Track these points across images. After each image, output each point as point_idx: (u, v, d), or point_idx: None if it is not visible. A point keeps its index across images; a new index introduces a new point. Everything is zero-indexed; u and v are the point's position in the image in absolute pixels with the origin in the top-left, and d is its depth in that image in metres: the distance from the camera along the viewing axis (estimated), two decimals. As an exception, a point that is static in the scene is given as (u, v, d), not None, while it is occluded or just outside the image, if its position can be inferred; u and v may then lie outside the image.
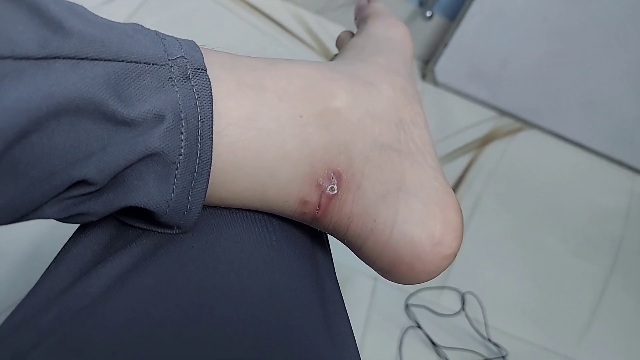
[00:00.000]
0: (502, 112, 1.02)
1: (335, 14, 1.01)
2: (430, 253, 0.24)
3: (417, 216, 0.24)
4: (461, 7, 0.93)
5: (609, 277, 0.87)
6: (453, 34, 0.93)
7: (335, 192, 0.23)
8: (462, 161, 0.93)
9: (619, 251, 0.91)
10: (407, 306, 0.75)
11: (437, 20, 0.97)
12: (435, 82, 1.01)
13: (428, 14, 0.92)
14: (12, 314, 0.20)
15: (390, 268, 0.25)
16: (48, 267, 0.22)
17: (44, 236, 0.65)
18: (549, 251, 0.88)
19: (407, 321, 0.74)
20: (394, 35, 0.31)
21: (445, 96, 1.01)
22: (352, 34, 0.34)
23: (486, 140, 0.98)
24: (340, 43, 0.34)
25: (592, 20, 0.87)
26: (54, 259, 0.23)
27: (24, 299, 0.21)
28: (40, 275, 0.22)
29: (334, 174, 0.23)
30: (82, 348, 0.17)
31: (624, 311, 0.85)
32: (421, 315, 0.74)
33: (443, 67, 0.98)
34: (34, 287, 0.21)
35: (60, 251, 0.23)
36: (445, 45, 0.95)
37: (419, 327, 0.73)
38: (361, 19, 0.34)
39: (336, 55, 0.34)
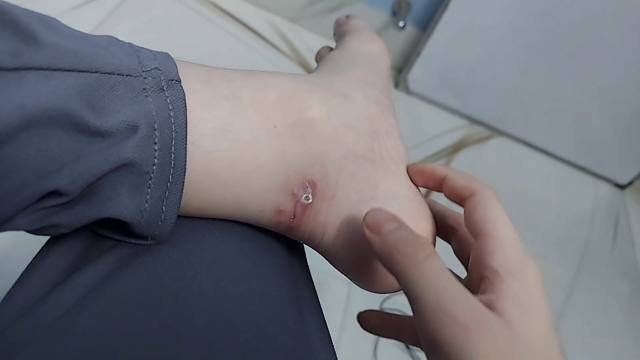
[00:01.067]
0: (473, 120, 1.05)
1: (310, 22, 1.02)
2: None
3: None
4: (433, 18, 0.95)
5: (575, 279, 0.90)
6: (425, 44, 0.95)
7: (310, 200, 0.24)
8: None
9: (584, 254, 0.94)
10: (381, 310, 0.76)
11: (410, 30, 0.99)
12: (408, 91, 1.03)
13: (401, 24, 0.93)
14: None
15: (364, 277, 0.25)
16: (20, 277, 0.22)
17: (13, 241, 0.64)
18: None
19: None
20: (371, 49, 0.31)
21: (417, 104, 1.03)
22: (332, 49, 0.34)
23: (457, 148, 1.00)
24: (319, 57, 0.34)
25: (557, 33, 0.90)
26: (26, 268, 0.23)
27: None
28: (9, 284, 0.22)
29: (308, 183, 0.23)
30: (58, 358, 0.17)
31: (591, 312, 0.87)
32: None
33: (415, 76, 1.00)
34: (5, 297, 0.21)
35: (33, 260, 0.23)
36: (418, 54, 0.97)
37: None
38: (340, 34, 0.34)
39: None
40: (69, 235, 0.22)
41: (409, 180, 0.26)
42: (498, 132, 1.05)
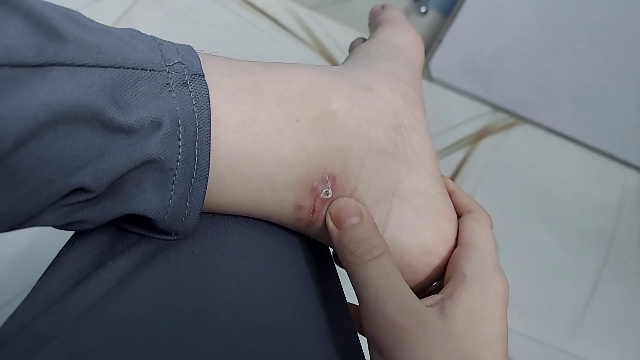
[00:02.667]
0: (496, 108, 1.03)
1: (330, 9, 1.01)
2: (419, 261, 0.24)
3: (408, 223, 0.24)
4: (455, 3, 0.93)
5: (601, 270, 0.88)
6: (447, 30, 0.93)
7: (330, 195, 0.23)
8: (456, 157, 0.94)
9: (611, 244, 0.92)
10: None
11: (432, 16, 0.97)
12: (429, 78, 1.01)
13: (423, 9, 0.92)
14: (10, 317, 0.21)
15: None
16: (46, 271, 0.23)
17: (41, 232, 0.65)
18: (542, 245, 0.88)
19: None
20: (403, 41, 0.30)
21: (439, 92, 1.01)
22: (365, 40, 0.34)
23: (480, 136, 0.98)
24: (352, 49, 0.34)
25: (584, 15, 0.87)
26: (52, 262, 0.23)
27: (22, 303, 0.21)
28: (36, 274, 0.22)
29: (328, 177, 0.23)
30: (83, 353, 0.18)
31: (616, 304, 0.86)
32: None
33: (437, 62, 0.98)
34: (32, 290, 0.22)
35: (59, 254, 0.23)
36: (440, 41, 0.95)
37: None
38: (374, 24, 0.34)
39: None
40: (94, 229, 0.23)
41: (434, 177, 0.26)
42: (522, 119, 1.03)
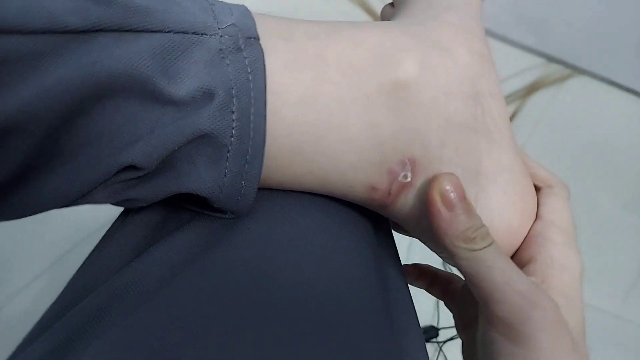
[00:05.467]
0: (550, 59, 0.97)
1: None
2: (506, 242, 0.23)
3: (495, 204, 0.23)
4: (509, -57, 0.86)
5: (660, 231, 0.84)
6: (499, -26, 0.87)
7: (409, 180, 0.21)
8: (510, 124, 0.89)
9: (672, 204, 0.87)
10: (443, 263, 0.74)
11: (482, -41, 0.90)
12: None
13: (472, -48, 0.85)
14: (62, 294, 0.20)
15: None
16: (97, 245, 0.22)
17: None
18: (598, 206, 0.84)
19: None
20: None
21: (488, 42, 0.95)
22: None
23: (532, 89, 0.93)
24: None
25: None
26: (104, 236, 0.22)
27: (73, 278, 0.21)
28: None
29: (408, 160, 0.21)
30: (137, 334, 0.17)
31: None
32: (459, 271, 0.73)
33: (486, 11, 0.92)
34: (83, 265, 0.21)
35: (110, 229, 0.22)
36: (490, -14, 0.89)
37: (459, 282, 0.73)
38: None
39: (390, 4, 0.30)
40: (148, 205, 0.22)
41: (514, 149, 0.24)
42: (578, 70, 0.97)
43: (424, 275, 0.31)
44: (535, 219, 0.24)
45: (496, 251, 0.21)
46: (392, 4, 0.31)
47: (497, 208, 0.23)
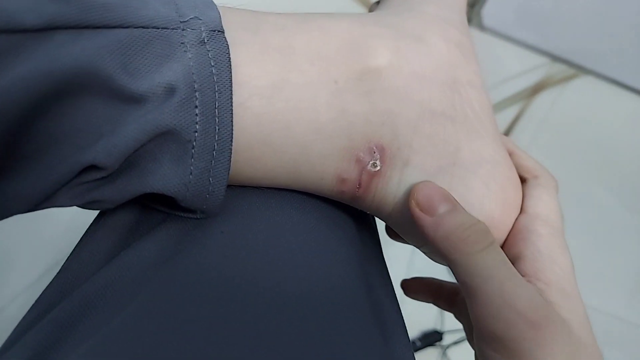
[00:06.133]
0: (555, 58, 0.95)
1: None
2: None
3: (474, 196, 0.21)
4: (512, -59, 0.85)
5: (666, 233, 0.82)
6: (502, -27, 0.86)
7: (378, 168, 0.21)
8: (509, 113, 0.88)
9: (679, 206, 0.85)
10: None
11: (485, -42, 0.89)
12: (481, 27, 0.94)
13: (475, -50, 0.84)
14: (36, 302, 0.20)
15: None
16: (72, 251, 0.21)
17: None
18: (601, 206, 0.83)
19: (450, 280, 0.72)
20: None
21: (492, 42, 0.94)
22: None
23: (537, 89, 0.92)
24: None
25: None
26: (79, 241, 0.22)
27: (48, 286, 0.20)
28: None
29: (376, 147, 0.20)
30: (106, 345, 0.16)
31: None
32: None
33: (490, 9, 0.91)
34: (59, 272, 0.21)
35: (85, 233, 0.22)
36: (493, -15, 0.88)
37: (461, 285, 0.72)
38: None
39: (376, 3, 0.30)
40: (120, 206, 0.21)
41: (496, 139, 0.23)
42: (584, 70, 0.95)
43: (427, 289, 0.30)
44: (520, 213, 0.23)
45: (496, 255, 0.19)
46: (378, 3, 0.30)
47: (477, 199, 0.21)
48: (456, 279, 0.20)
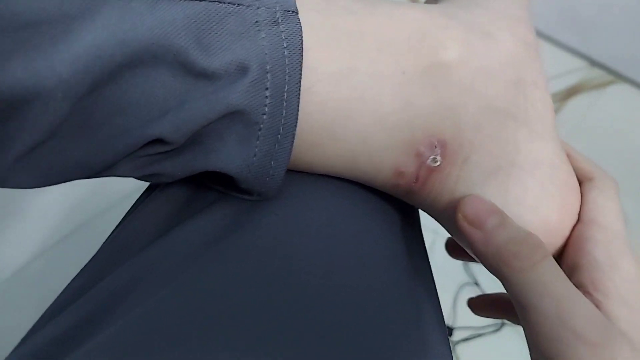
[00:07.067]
0: (593, 63, 0.93)
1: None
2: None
3: (531, 198, 0.21)
4: (563, -62, 0.82)
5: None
6: (549, -30, 0.83)
7: (438, 163, 0.20)
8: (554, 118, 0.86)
9: None
10: (466, 263, 0.73)
11: (532, -47, 0.86)
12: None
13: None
14: (84, 269, 0.20)
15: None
16: (121, 221, 0.22)
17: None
18: (630, 219, 0.81)
19: (464, 277, 0.72)
20: None
21: (535, 33, 0.93)
22: None
23: (572, 92, 0.90)
24: None
25: None
26: (128, 212, 0.22)
27: (96, 254, 0.20)
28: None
29: (437, 142, 0.20)
30: (163, 318, 0.17)
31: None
32: (479, 272, 0.72)
33: (533, 9, 0.88)
34: (107, 241, 0.21)
35: (134, 205, 0.22)
36: (538, -18, 0.85)
37: (477, 284, 0.71)
38: None
39: None
40: (173, 182, 0.21)
41: (557, 142, 0.22)
42: (621, 77, 0.93)
43: (495, 305, 0.28)
44: (579, 220, 0.21)
45: (550, 270, 0.18)
46: None
47: (532, 202, 0.21)
48: (509, 295, 0.19)
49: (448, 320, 0.70)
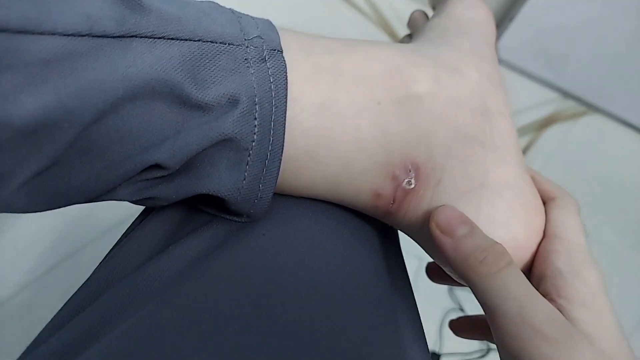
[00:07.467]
0: (566, 94, 0.97)
1: (396, -19, 0.97)
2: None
3: (501, 217, 0.22)
4: (532, -21, 0.87)
5: (667, 274, 0.83)
6: (521, 7, 0.88)
7: (413, 186, 0.22)
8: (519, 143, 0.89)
9: (680, 248, 0.86)
10: (450, 288, 0.74)
11: (504, -8, 0.91)
12: (497, 59, 0.96)
13: (495, -15, 0.86)
14: (82, 287, 0.21)
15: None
16: (119, 241, 0.23)
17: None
18: (606, 245, 0.84)
19: (449, 303, 0.73)
20: (477, 17, 0.28)
21: (506, 74, 0.96)
22: (425, 15, 0.32)
23: (546, 123, 0.93)
24: (413, 23, 0.32)
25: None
26: (124, 233, 0.23)
27: (94, 272, 0.21)
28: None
29: (411, 165, 0.22)
30: (156, 331, 0.18)
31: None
32: (464, 298, 0.73)
33: (507, 43, 0.93)
34: (104, 260, 0.22)
35: (131, 226, 0.23)
36: (511, 19, 0.90)
37: (461, 309, 0.72)
38: (437, 0, 0.31)
39: (408, 35, 0.32)
40: (168, 205, 0.23)
41: (521, 166, 0.24)
42: (593, 108, 0.97)
43: (476, 326, 0.29)
44: (544, 237, 0.23)
45: (513, 275, 0.20)
46: (410, 35, 0.32)
47: (503, 221, 0.22)
48: (477, 299, 0.21)
49: (434, 346, 0.71)
